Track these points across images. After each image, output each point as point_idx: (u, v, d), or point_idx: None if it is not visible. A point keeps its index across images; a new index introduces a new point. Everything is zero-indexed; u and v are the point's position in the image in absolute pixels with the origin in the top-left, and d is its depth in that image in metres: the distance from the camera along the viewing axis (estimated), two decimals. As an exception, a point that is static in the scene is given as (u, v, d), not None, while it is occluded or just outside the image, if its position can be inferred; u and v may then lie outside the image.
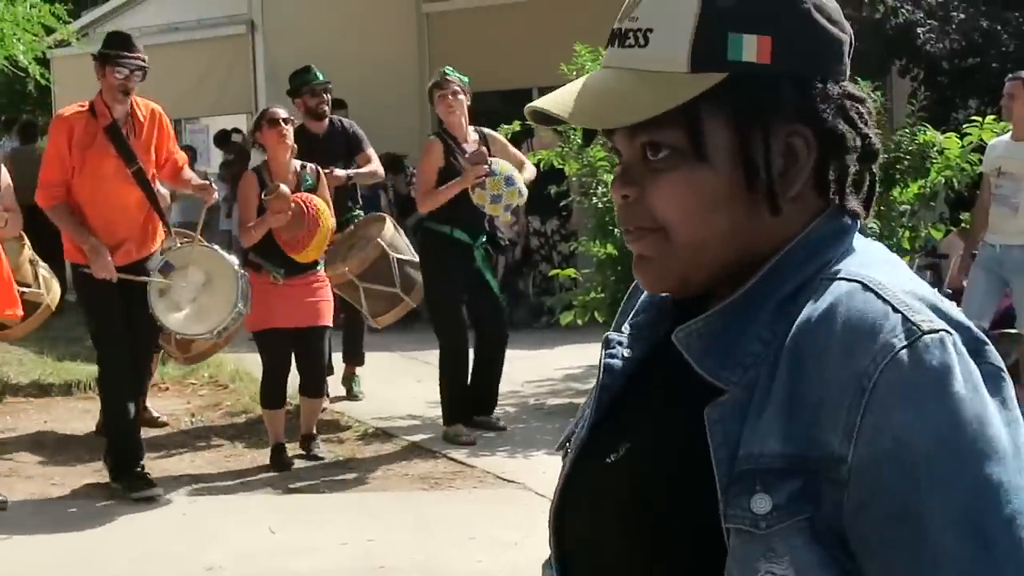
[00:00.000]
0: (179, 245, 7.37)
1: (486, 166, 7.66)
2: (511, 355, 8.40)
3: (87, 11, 19.02)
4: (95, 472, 7.59)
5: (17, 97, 22.95)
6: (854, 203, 1.54)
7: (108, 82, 6.96)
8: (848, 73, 1.55)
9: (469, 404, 8.16)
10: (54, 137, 7.10)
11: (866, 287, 1.42)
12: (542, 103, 1.49)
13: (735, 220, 1.49)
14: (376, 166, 8.79)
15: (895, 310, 1.39)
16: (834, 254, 1.49)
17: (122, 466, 7.07)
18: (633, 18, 1.49)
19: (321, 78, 8.78)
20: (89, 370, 10.03)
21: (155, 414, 8.81)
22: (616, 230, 8.62)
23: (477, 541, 6.11)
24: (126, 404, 7.10)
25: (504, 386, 8.49)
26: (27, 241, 8.30)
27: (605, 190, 8.52)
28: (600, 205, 8.76)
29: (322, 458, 7.78)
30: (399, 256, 8.20)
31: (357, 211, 8.96)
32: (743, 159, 1.47)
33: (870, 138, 1.52)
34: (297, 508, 6.85)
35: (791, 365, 1.42)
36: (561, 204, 10.45)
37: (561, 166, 9.05)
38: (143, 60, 7.05)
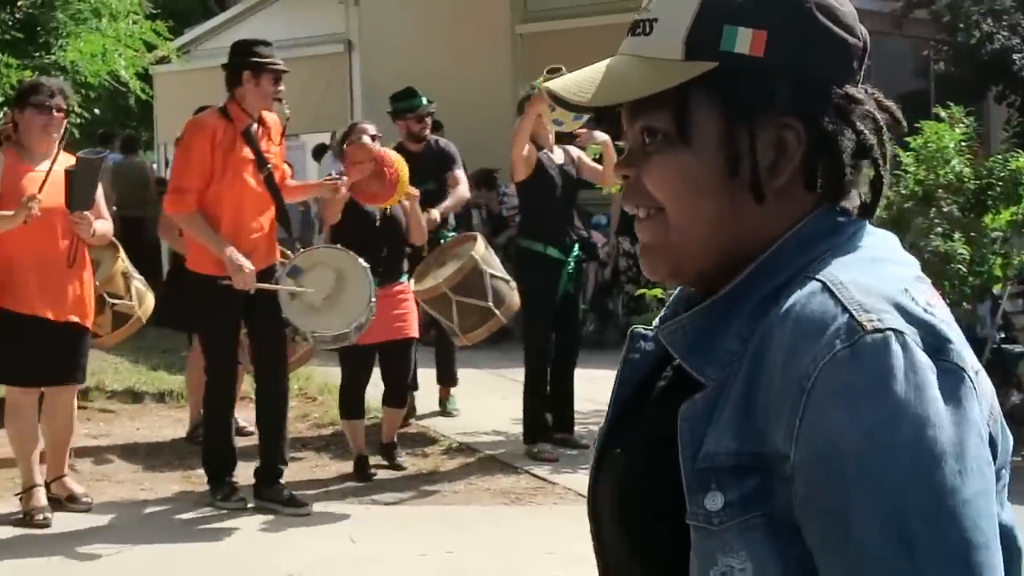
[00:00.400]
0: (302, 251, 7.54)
1: None
2: (597, 374, 8.39)
3: (189, 29, 19.36)
4: (183, 479, 7.74)
5: (120, 112, 23.41)
6: (851, 201, 1.58)
7: (261, 89, 6.97)
8: (858, 76, 1.58)
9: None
10: (195, 142, 6.95)
11: (825, 287, 1.44)
12: (553, 84, 1.58)
13: (721, 207, 1.53)
14: (463, 189, 8.86)
15: (844, 310, 1.40)
16: (822, 251, 1.51)
17: (217, 474, 7.14)
18: (646, 9, 1.58)
19: (425, 103, 8.86)
20: (181, 380, 10.22)
21: (242, 424, 8.93)
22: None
23: (555, 556, 6.13)
24: (229, 413, 7.18)
25: (588, 405, 8.53)
26: (121, 253, 8.45)
27: None
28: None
29: (404, 467, 7.88)
30: (492, 272, 8.26)
31: (450, 231, 9.05)
32: (728, 147, 1.52)
33: (864, 134, 1.54)
34: (378, 519, 6.93)
35: (752, 364, 1.46)
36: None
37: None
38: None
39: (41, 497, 6.84)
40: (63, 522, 6.79)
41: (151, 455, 8.35)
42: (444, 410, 9.31)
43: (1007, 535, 1.49)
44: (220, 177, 6.87)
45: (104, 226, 7.00)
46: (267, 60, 7.03)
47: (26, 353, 6.71)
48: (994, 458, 1.45)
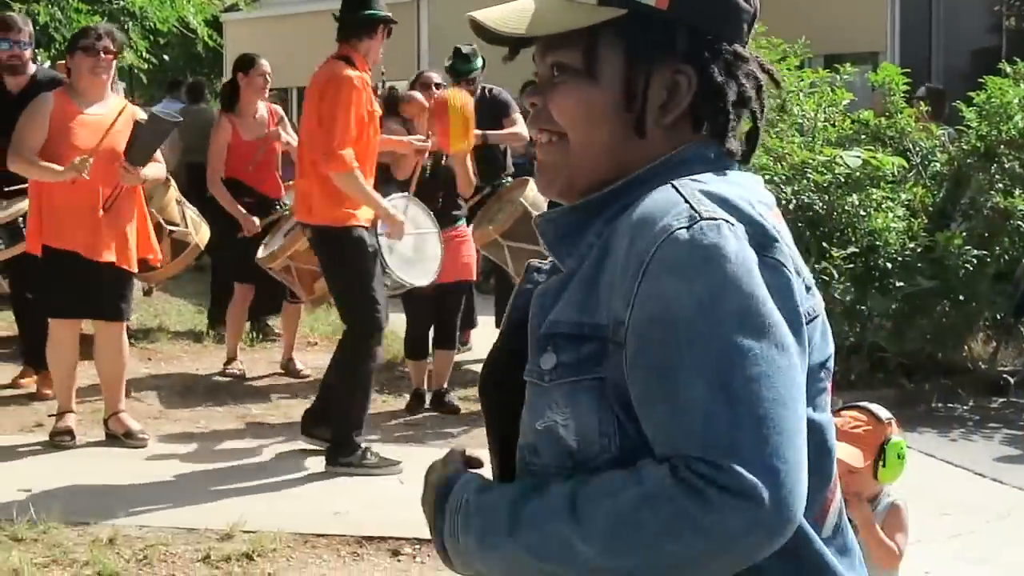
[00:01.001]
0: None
1: None
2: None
3: (259, -24, 19.45)
4: (238, 418, 7.87)
5: (190, 60, 23.61)
6: (732, 144, 1.79)
7: (378, 43, 6.75)
8: (746, 38, 1.81)
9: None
10: (356, 98, 6.52)
11: (673, 187, 1.67)
12: (478, 15, 1.79)
13: (613, 134, 1.76)
14: (519, 128, 8.86)
15: (685, 201, 1.63)
16: (688, 172, 1.72)
17: (350, 435, 6.77)
18: None
19: (478, 67, 8.87)
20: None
21: (299, 366, 9.07)
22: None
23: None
24: (369, 372, 6.88)
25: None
26: (172, 182, 8.56)
27: (796, 188, 8.45)
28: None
29: (457, 408, 8.02)
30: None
31: (507, 179, 9.09)
32: (627, 85, 1.75)
33: (745, 88, 1.78)
34: (428, 460, 6.97)
35: (601, 250, 1.69)
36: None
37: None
38: None
39: (68, 420, 7.14)
40: (120, 456, 6.93)
41: (208, 395, 8.47)
42: (464, 350, 9.34)
43: (820, 433, 1.71)
44: (362, 132, 6.63)
45: (154, 170, 7.09)
46: (388, 15, 6.78)
47: (65, 287, 6.89)
48: (809, 355, 1.67)
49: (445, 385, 8.19)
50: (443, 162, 7.86)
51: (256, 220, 8.58)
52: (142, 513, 5.96)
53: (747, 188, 1.73)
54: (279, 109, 9.20)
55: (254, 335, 10.01)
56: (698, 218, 1.60)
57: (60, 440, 7.03)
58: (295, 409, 8.04)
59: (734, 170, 1.78)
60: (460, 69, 8.84)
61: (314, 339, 10.22)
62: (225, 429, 7.64)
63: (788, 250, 1.67)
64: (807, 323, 1.66)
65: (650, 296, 1.58)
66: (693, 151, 1.75)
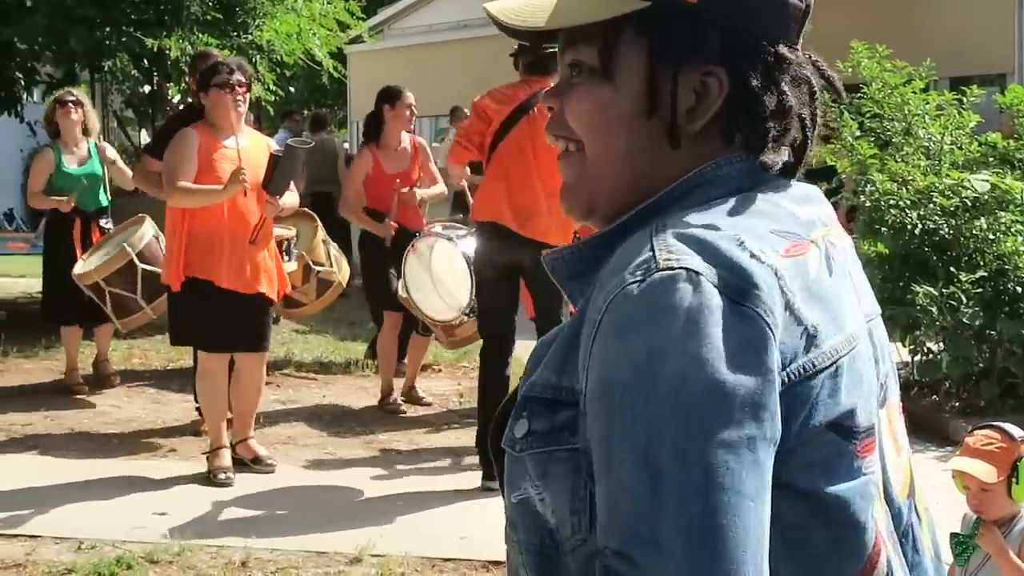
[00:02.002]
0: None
1: None
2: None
3: (382, 8, 19.71)
4: (365, 444, 7.97)
5: (315, 91, 23.99)
6: (770, 157, 1.54)
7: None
8: (796, 37, 1.57)
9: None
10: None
11: (649, 229, 1.45)
12: (491, 7, 1.60)
13: (632, 143, 1.54)
14: None
15: (650, 249, 1.40)
16: (703, 198, 1.50)
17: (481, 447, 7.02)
18: None
19: None
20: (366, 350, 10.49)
21: (421, 394, 9.16)
22: (884, 228, 8.52)
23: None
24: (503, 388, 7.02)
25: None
26: (319, 223, 8.73)
27: (874, 188, 8.44)
28: (868, 203, 8.67)
29: None
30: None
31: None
32: (648, 87, 1.52)
33: (786, 96, 1.53)
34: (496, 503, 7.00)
35: (587, 300, 1.47)
36: (832, 201, 10.36)
37: (833, 163, 9.02)
38: None
39: (225, 458, 7.13)
40: (251, 481, 7.05)
41: (335, 422, 8.59)
42: None
43: (838, 507, 1.46)
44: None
45: (291, 199, 7.23)
46: None
47: (215, 321, 6.98)
48: (806, 417, 1.41)
49: None
50: None
51: (392, 224, 8.61)
52: (273, 536, 6.07)
53: (762, 215, 1.49)
54: (422, 142, 9.21)
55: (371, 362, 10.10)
56: (654, 269, 1.38)
57: (224, 479, 7.01)
58: (421, 436, 8.17)
59: (773, 188, 1.55)
60: None
61: (438, 367, 10.31)
62: (352, 455, 7.74)
63: (785, 295, 1.41)
64: (801, 381, 1.40)
65: (595, 362, 1.38)
66: (713, 171, 1.53)
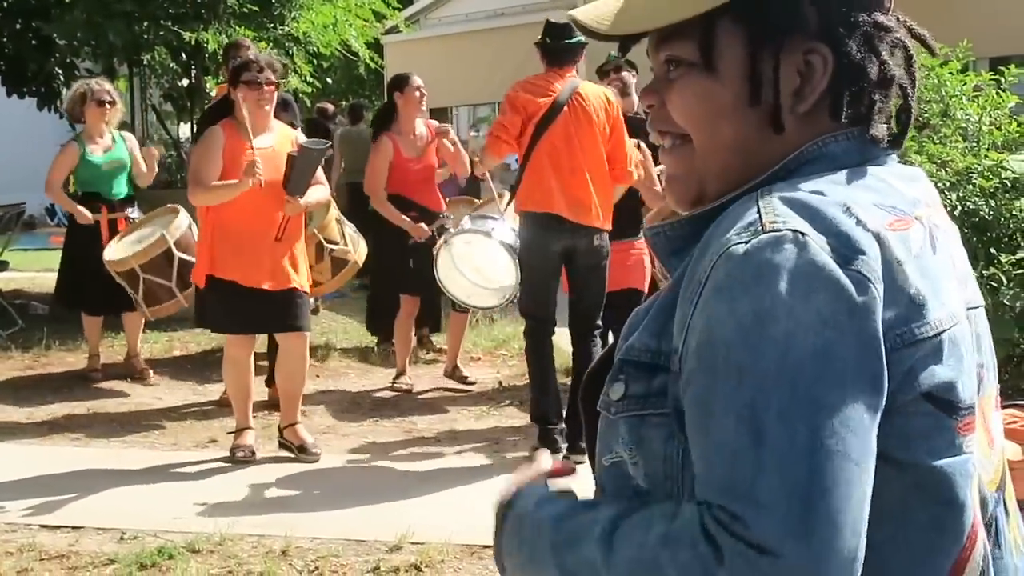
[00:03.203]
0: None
1: None
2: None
3: (418, -2, 19.71)
4: (405, 432, 7.99)
5: (353, 82, 24.02)
6: (878, 129, 1.56)
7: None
8: (888, 4, 1.58)
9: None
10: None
11: (756, 196, 1.47)
12: (578, 13, 1.61)
13: (741, 131, 1.55)
14: None
15: (757, 212, 1.43)
16: (812, 174, 1.51)
17: (539, 419, 7.35)
18: None
19: (612, 57, 8.85)
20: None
21: (465, 373, 9.24)
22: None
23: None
24: (549, 366, 7.38)
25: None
26: (332, 202, 8.77)
27: (961, 194, 8.32)
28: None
29: None
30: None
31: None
32: (752, 74, 1.53)
33: (887, 64, 1.54)
34: (582, 471, 7.02)
35: (687, 267, 1.50)
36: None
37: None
38: None
39: (248, 437, 7.35)
40: (291, 469, 7.10)
41: (375, 410, 8.62)
42: None
43: (939, 482, 1.47)
44: None
45: (318, 193, 7.31)
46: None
47: (240, 313, 7.10)
48: (905, 385, 1.42)
49: None
50: None
51: (424, 226, 8.68)
52: (313, 524, 6.10)
53: (868, 188, 1.50)
54: (435, 123, 9.26)
55: (419, 351, 10.15)
56: (760, 231, 1.39)
57: (243, 456, 7.23)
58: (460, 423, 8.19)
59: (879, 163, 1.56)
60: (604, 66, 8.71)
61: (477, 354, 10.32)
62: (392, 442, 7.76)
63: (888, 263, 1.42)
64: (902, 348, 1.41)
65: (700, 320, 1.40)
66: (819, 148, 1.53)
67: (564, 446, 7.16)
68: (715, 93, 1.55)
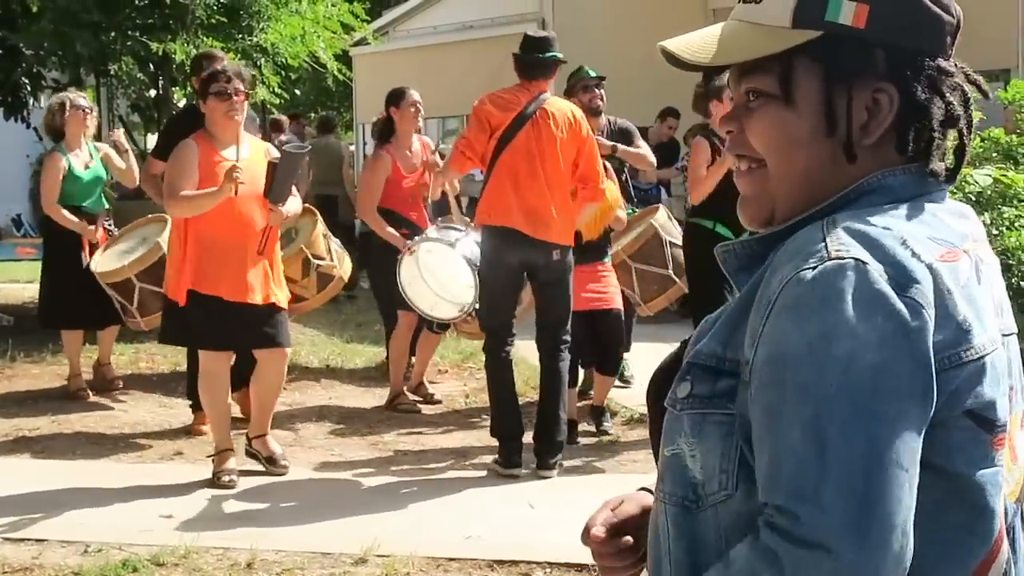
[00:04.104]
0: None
1: None
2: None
3: (387, 10, 19.73)
4: (371, 446, 7.99)
5: (321, 93, 24.02)
6: (937, 164, 1.71)
7: None
8: (950, 50, 1.73)
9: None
10: None
11: (822, 224, 1.62)
12: (669, 44, 1.76)
13: (813, 159, 1.70)
14: (645, 151, 8.83)
15: (823, 239, 1.58)
16: (870, 204, 1.66)
17: (498, 435, 7.36)
18: None
19: (592, 74, 8.89)
20: (372, 352, 10.51)
21: (431, 391, 9.21)
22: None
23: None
24: (507, 380, 7.38)
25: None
26: (319, 216, 8.76)
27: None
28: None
29: (608, 432, 8.14)
30: (671, 239, 8.40)
31: (633, 208, 9.09)
32: (826, 108, 1.68)
33: (952, 105, 1.70)
34: (558, 485, 7.05)
35: (754, 285, 1.66)
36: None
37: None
38: None
39: (230, 461, 7.15)
40: (256, 482, 7.09)
41: (342, 423, 8.62)
42: (620, 376, 9.30)
43: (972, 490, 1.62)
44: None
45: (293, 205, 7.24)
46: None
47: (219, 328, 6.97)
48: (951, 403, 1.57)
49: (604, 404, 8.39)
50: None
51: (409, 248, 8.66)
52: (279, 537, 6.09)
53: (924, 223, 1.65)
54: (430, 141, 9.27)
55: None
56: (826, 258, 1.55)
57: (228, 481, 7.03)
58: (426, 436, 8.20)
59: (933, 198, 1.71)
60: (577, 77, 8.68)
61: (444, 367, 10.32)
62: (358, 456, 7.76)
63: (939, 291, 1.57)
64: (949, 369, 1.56)
65: (768, 337, 1.56)
66: (878, 181, 1.69)
67: (521, 462, 7.19)
68: (792, 123, 1.70)
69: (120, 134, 9.85)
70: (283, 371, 7.33)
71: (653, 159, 8.98)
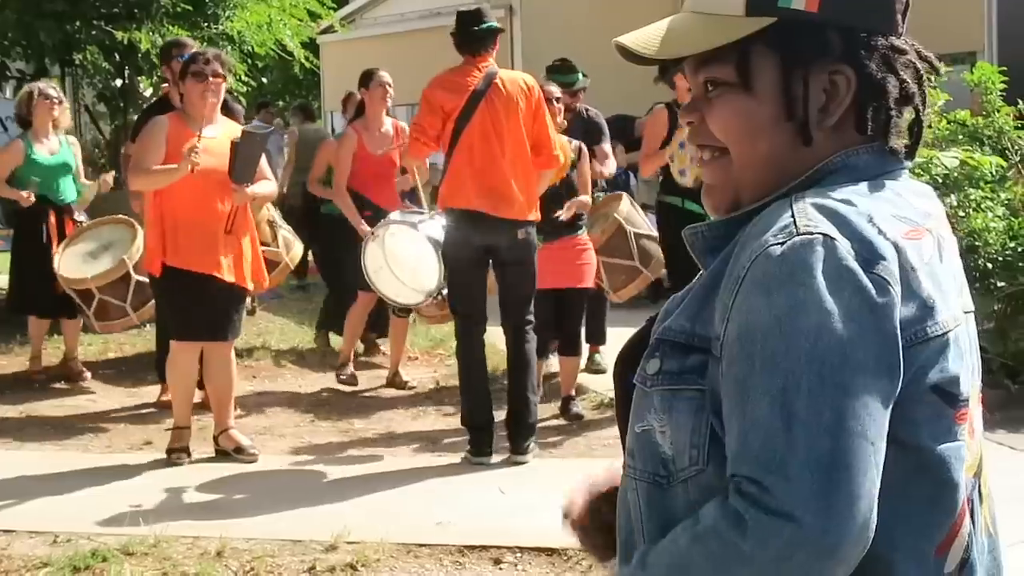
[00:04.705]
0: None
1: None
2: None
3: (354, -2, 19.67)
4: (341, 432, 7.99)
5: (289, 82, 23.93)
6: (896, 142, 1.75)
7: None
8: (902, 28, 1.76)
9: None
10: None
11: (790, 201, 1.65)
12: (624, 39, 1.77)
13: (776, 144, 1.72)
14: (610, 164, 8.85)
15: (791, 216, 1.61)
16: (835, 184, 1.68)
17: (468, 424, 7.33)
18: None
19: (581, 79, 8.87)
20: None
21: (406, 379, 9.22)
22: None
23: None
24: (477, 368, 7.35)
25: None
26: (267, 204, 8.75)
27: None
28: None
29: (581, 416, 8.12)
30: (636, 230, 8.43)
31: (599, 193, 9.11)
32: (785, 93, 1.71)
33: (907, 83, 1.73)
34: (528, 470, 7.05)
35: (722, 262, 1.68)
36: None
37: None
38: None
39: (185, 437, 7.32)
40: (226, 471, 7.07)
41: (311, 410, 8.61)
42: (592, 365, 9.34)
43: (937, 464, 1.65)
44: None
45: (265, 188, 7.27)
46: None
47: (189, 309, 7.04)
48: (917, 378, 1.60)
49: (572, 392, 8.31)
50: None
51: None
52: (249, 526, 6.07)
53: (887, 201, 1.68)
54: (404, 126, 9.26)
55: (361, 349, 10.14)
56: (795, 233, 1.57)
57: (177, 458, 7.19)
58: (397, 423, 8.19)
59: (895, 176, 1.74)
60: (563, 80, 8.75)
61: (414, 354, 10.31)
62: (329, 443, 7.75)
63: (904, 268, 1.60)
64: (915, 344, 1.59)
65: (738, 312, 1.58)
66: (842, 160, 1.71)
67: (492, 451, 7.19)
68: (752, 110, 1.72)
69: (111, 178, 9.89)
70: (231, 359, 7.38)
71: (612, 167, 8.96)
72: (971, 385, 1.71)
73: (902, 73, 1.72)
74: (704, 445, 1.63)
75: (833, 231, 1.57)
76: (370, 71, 9.03)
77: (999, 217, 8.30)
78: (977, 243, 8.23)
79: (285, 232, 8.93)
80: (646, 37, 1.77)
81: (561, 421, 8.09)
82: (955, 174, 8.35)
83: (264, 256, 8.36)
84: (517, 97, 7.12)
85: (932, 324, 1.61)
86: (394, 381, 9.25)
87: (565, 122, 8.18)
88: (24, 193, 9.09)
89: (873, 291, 1.55)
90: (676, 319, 1.69)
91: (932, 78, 1.79)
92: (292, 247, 8.94)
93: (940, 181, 8.36)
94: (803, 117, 1.70)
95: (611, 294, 8.67)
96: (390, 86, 8.95)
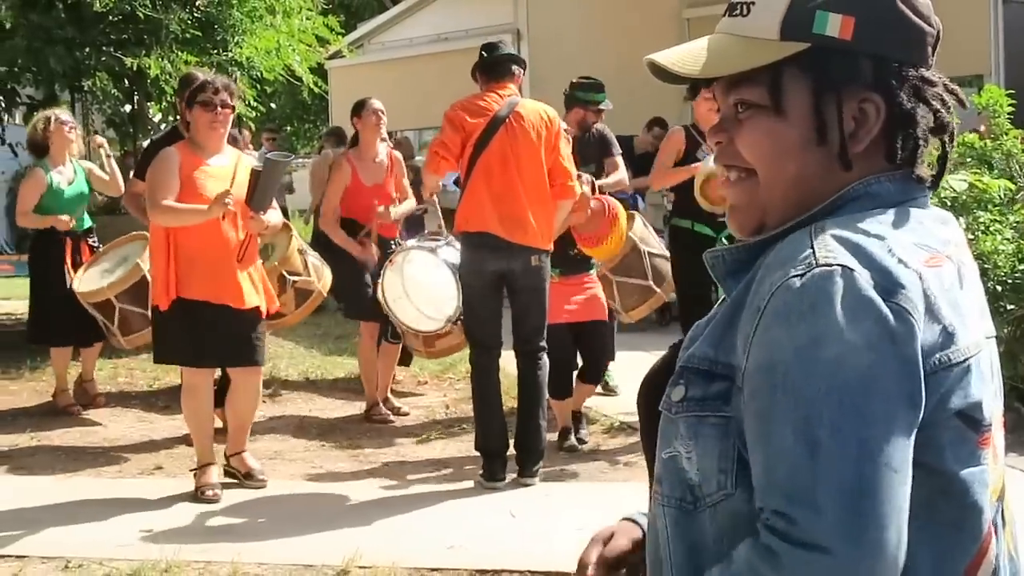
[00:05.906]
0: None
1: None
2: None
3: (361, 23, 19.72)
4: (352, 457, 7.98)
5: (299, 107, 24.00)
6: (922, 170, 1.77)
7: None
8: (931, 60, 1.77)
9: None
10: None
11: (809, 231, 1.66)
12: (657, 56, 1.78)
13: (802, 168, 1.74)
14: (621, 174, 8.80)
15: (810, 247, 1.62)
16: (858, 210, 1.69)
17: (482, 450, 7.33)
18: None
19: (606, 101, 8.88)
20: (352, 364, 10.48)
21: (397, 404, 9.19)
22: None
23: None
24: (492, 394, 7.35)
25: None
26: (295, 232, 8.75)
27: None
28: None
29: (585, 441, 8.14)
30: (650, 250, 8.45)
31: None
32: (816, 118, 1.72)
33: (940, 113, 1.75)
34: (539, 494, 7.05)
35: (744, 289, 1.69)
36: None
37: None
38: None
39: (213, 475, 7.13)
40: (237, 496, 7.06)
41: (322, 435, 8.61)
42: (604, 384, 9.32)
43: (962, 488, 1.66)
44: None
45: (274, 217, 7.26)
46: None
47: (200, 337, 6.96)
48: (940, 404, 1.61)
49: (580, 411, 8.37)
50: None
51: (375, 249, 8.68)
52: (261, 551, 6.07)
53: (907, 229, 1.69)
54: (399, 155, 9.26)
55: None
56: (814, 265, 1.59)
57: (212, 496, 7.01)
58: (407, 447, 8.19)
59: (917, 204, 1.75)
60: (589, 99, 8.73)
61: (424, 378, 10.32)
62: (339, 468, 7.75)
63: (925, 296, 1.61)
64: (938, 371, 1.60)
65: (759, 344, 1.60)
66: (864, 187, 1.72)
67: (504, 476, 7.18)
68: (782, 133, 1.74)
69: (102, 139, 9.88)
70: (259, 388, 7.34)
71: (626, 180, 8.92)
72: (994, 409, 1.72)
73: (934, 103, 1.74)
74: (732, 470, 1.65)
75: (852, 262, 1.58)
76: (362, 100, 8.99)
77: (1008, 240, 8.30)
78: (986, 266, 8.23)
79: (314, 259, 8.89)
80: (680, 56, 1.78)
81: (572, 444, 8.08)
82: (964, 197, 8.35)
83: (296, 286, 8.37)
84: (537, 126, 7.18)
85: (954, 350, 1.62)
86: (385, 405, 9.15)
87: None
88: (64, 217, 9.10)
89: (893, 320, 1.56)
90: (700, 346, 1.71)
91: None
92: (323, 275, 8.89)
93: (949, 204, 8.36)
94: (836, 143, 1.72)
95: (623, 314, 8.66)
96: (383, 113, 8.93)
